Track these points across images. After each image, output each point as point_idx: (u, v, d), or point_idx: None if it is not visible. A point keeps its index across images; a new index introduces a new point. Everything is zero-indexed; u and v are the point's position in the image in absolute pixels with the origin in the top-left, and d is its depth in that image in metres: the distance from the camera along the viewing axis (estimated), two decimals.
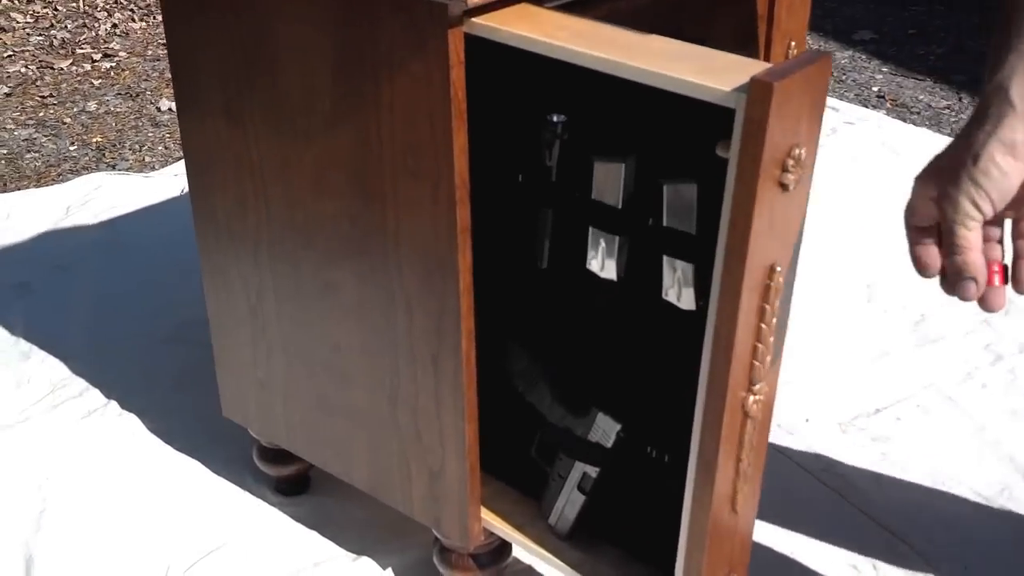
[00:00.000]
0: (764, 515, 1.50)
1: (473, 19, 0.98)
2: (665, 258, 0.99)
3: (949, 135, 2.81)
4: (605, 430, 1.11)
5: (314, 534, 1.47)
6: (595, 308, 1.10)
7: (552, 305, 1.14)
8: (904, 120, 2.89)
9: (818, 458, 1.61)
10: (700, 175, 0.93)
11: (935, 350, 1.87)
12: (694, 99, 0.86)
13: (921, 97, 3.09)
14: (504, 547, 1.30)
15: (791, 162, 0.86)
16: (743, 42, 1.42)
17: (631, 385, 1.11)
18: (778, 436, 1.64)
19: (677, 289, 0.99)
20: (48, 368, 1.83)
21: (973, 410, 1.71)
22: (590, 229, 1.03)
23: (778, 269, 0.92)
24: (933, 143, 2.67)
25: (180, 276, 2.08)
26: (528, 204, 1.09)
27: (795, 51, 1.52)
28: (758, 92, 0.80)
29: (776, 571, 1.42)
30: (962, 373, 1.81)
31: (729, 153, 0.85)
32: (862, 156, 2.57)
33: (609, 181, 1.00)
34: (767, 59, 1.47)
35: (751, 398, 0.97)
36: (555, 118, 1.01)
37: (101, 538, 1.47)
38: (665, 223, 0.97)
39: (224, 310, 1.39)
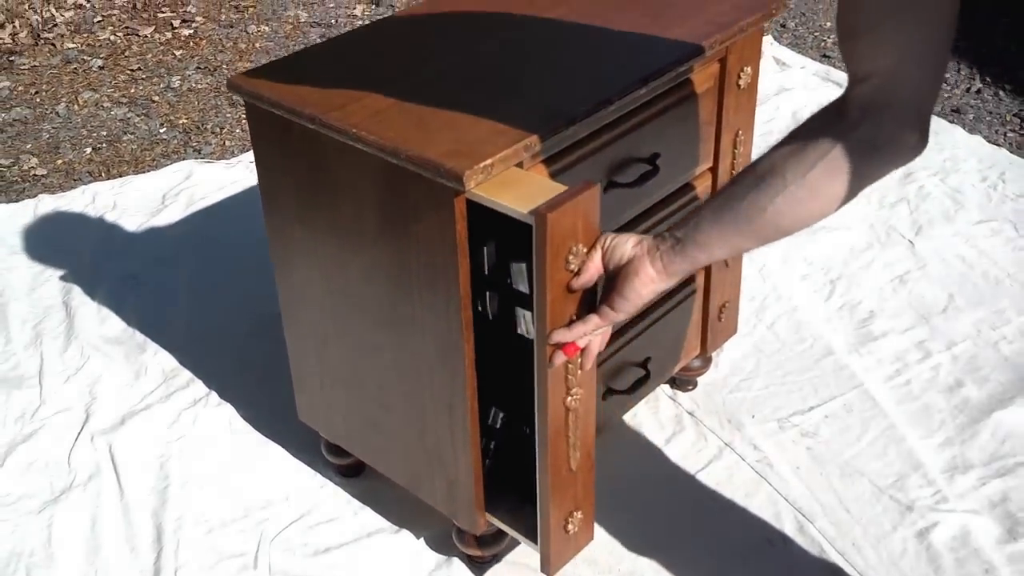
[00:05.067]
0: (701, 497, 1.90)
1: (472, 189, 1.40)
2: (516, 308, 1.44)
3: (939, 114, 3.06)
4: (495, 416, 1.60)
5: (367, 509, 1.82)
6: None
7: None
8: None
9: (756, 449, 2.00)
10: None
11: (874, 347, 2.23)
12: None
13: None
14: (501, 531, 1.75)
15: (571, 256, 1.30)
16: (699, 140, 1.80)
17: (515, 388, 1.55)
18: (727, 432, 2.04)
19: (525, 327, 1.44)
20: (160, 359, 2.16)
21: (889, 408, 2.08)
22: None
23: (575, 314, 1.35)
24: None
25: (258, 270, 2.34)
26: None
27: (743, 137, 1.89)
28: (540, 218, 1.26)
29: (707, 540, 1.82)
30: (891, 371, 2.18)
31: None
32: None
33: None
34: (717, 149, 1.85)
35: (570, 398, 1.42)
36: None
37: (211, 509, 1.82)
38: (513, 286, 1.43)
39: (299, 349, 1.83)
